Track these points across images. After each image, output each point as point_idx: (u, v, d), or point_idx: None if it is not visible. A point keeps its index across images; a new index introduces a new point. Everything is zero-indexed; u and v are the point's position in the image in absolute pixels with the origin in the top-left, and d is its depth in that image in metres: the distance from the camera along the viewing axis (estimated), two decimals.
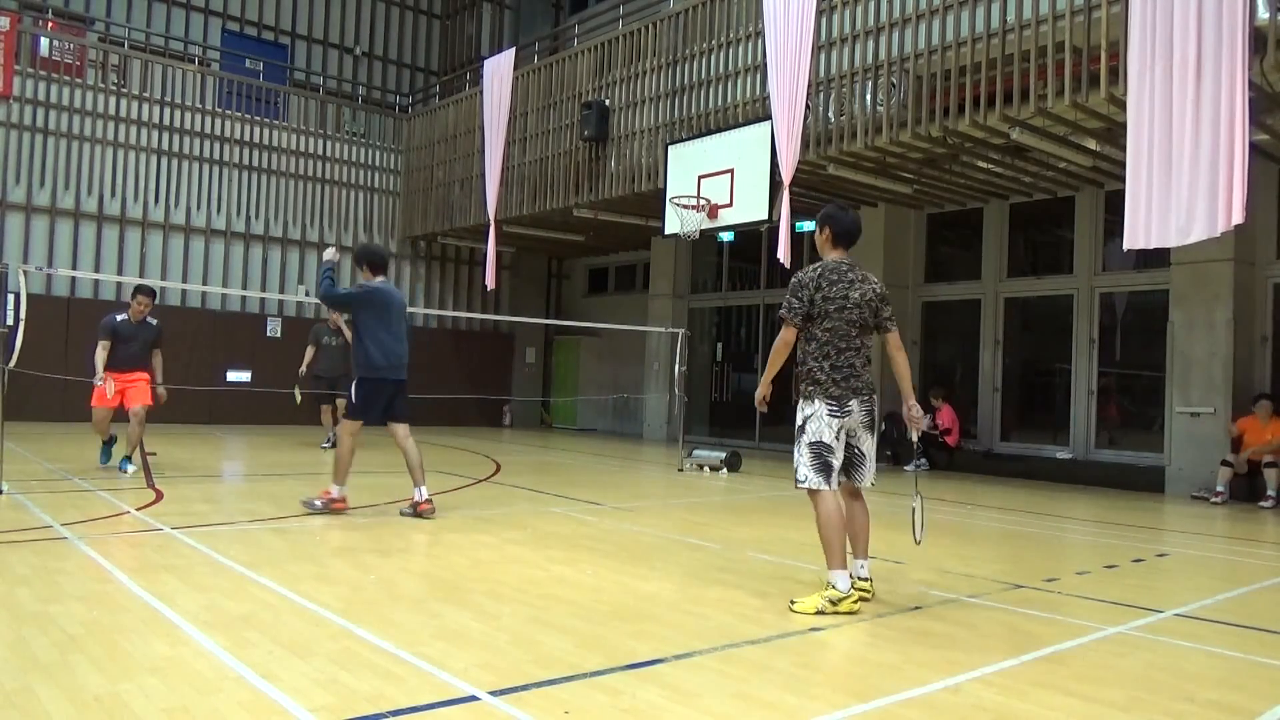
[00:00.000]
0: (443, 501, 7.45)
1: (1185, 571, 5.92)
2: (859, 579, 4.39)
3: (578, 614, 3.94)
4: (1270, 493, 9.36)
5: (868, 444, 4.45)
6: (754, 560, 5.43)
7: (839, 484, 4.35)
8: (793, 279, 4.45)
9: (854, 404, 4.34)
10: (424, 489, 6.45)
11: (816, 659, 3.44)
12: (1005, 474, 11.95)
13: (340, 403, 10.28)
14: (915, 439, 4.80)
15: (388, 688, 2.88)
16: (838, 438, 4.31)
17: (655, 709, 2.81)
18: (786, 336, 4.43)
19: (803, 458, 4.32)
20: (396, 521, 6.26)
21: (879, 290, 4.49)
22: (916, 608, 4.33)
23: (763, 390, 4.65)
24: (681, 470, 10.96)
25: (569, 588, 4.45)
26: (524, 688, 2.95)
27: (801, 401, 4.42)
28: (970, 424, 13.12)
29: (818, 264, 4.49)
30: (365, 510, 6.69)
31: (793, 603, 4.23)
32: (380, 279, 6.68)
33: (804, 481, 4.31)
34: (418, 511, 6.38)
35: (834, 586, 4.16)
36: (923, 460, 12.58)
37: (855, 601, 4.18)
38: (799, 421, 4.39)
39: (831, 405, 4.31)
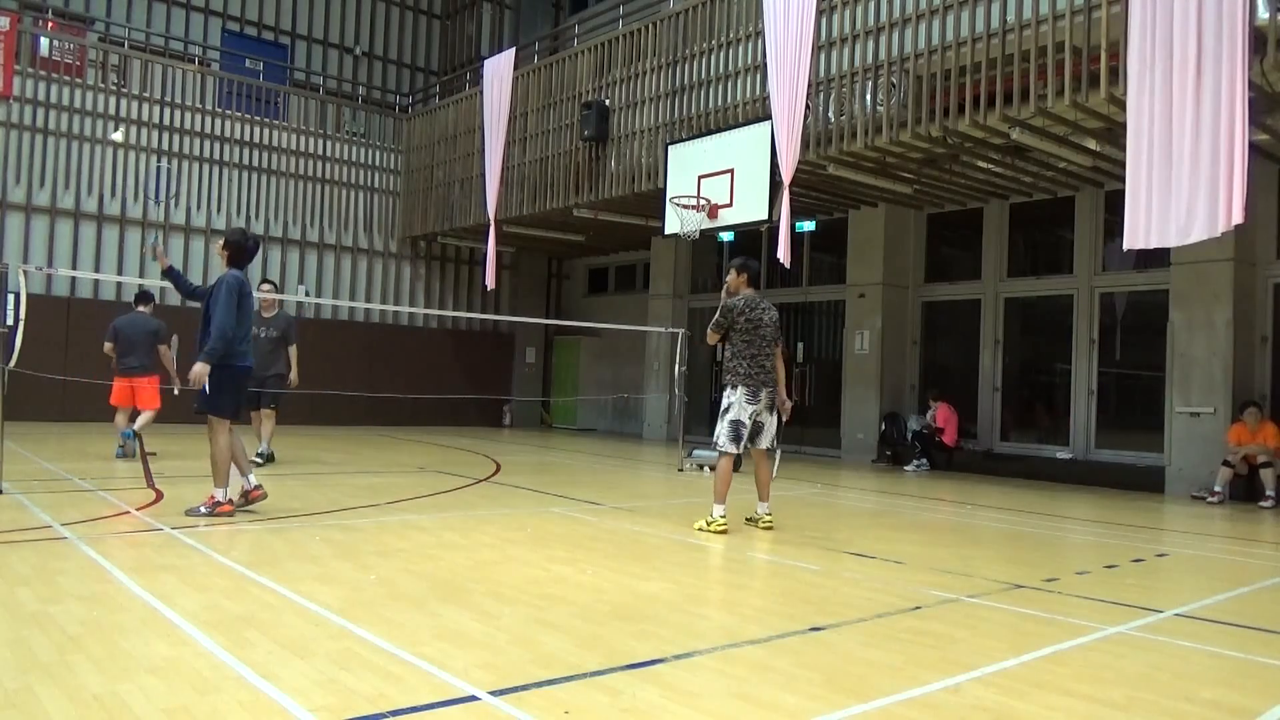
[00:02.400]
0: (443, 501, 7.45)
1: (1185, 571, 5.92)
2: (763, 514, 6.52)
3: (578, 614, 3.93)
4: (1269, 493, 9.37)
5: (769, 420, 6.46)
6: (754, 560, 5.43)
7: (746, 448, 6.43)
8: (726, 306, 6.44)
9: (763, 393, 6.37)
10: (252, 477, 6.30)
11: (816, 659, 3.44)
12: (1005, 474, 11.95)
13: (269, 410, 9.50)
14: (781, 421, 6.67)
15: (388, 688, 2.88)
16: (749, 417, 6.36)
17: (655, 709, 2.81)
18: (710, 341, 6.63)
19: (723, 429, 6.37)
20: (397, 521, 6.26)
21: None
22: (916, 608, 4.33)
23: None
24: (681, 470, 10.96)
25: (569, 588, 4.45)
26: (524, 688, 2.95)
27: (726, 390, 6.43)
28: (970, 424, 13.13)
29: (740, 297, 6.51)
30: (366, 510, 6.69)
31: (697, 526, 6.35)
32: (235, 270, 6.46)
33: (721, 446, 6.35)
34: (252, 498, 6.25)
35: (713, 515, 6.30)
36: (923, 460, 12.60)
37: (723, 528, 6.24)
38: (724, 404, 6.42)
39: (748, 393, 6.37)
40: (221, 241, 6.52)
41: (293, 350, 9.62)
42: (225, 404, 6.11)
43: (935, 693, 3.07)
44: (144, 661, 3.04)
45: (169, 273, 6.76)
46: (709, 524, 6.34)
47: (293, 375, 9.73)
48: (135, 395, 9.79)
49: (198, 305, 6.48)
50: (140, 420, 9.69)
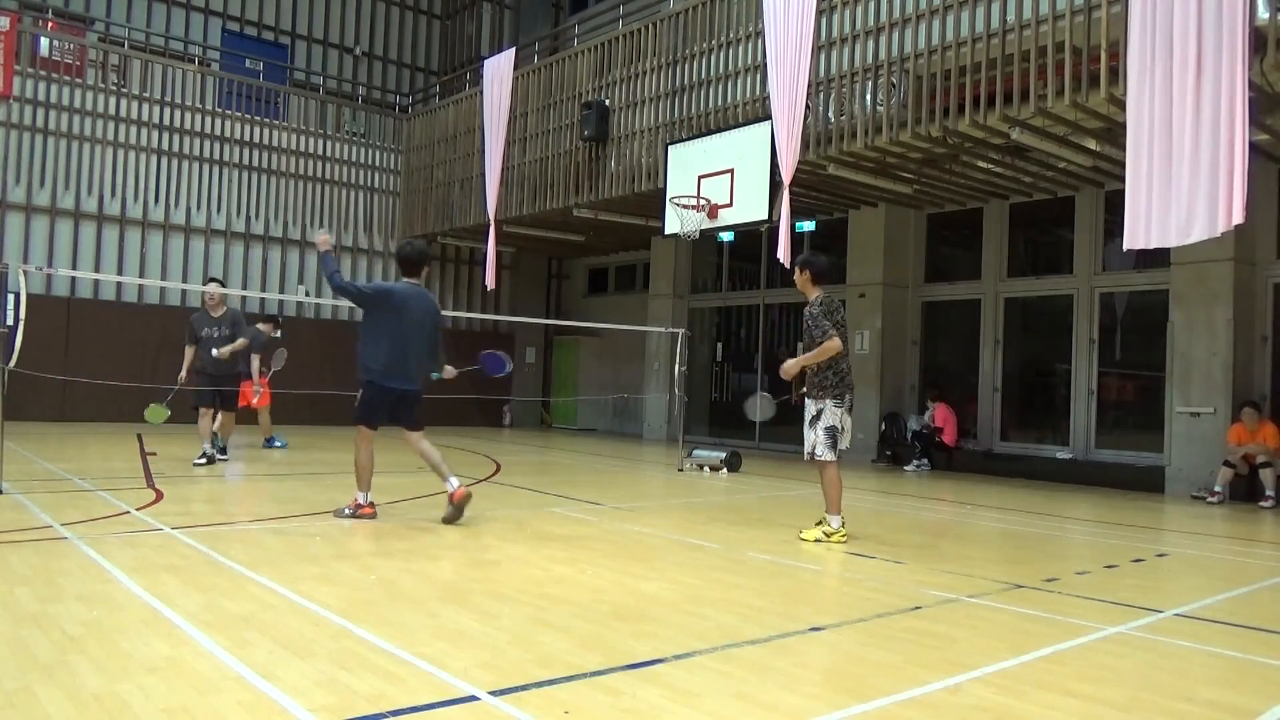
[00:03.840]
0: (443, 501, 7.44)
1: (1185, 571, 5.92)
2: (836, 529, 6.08)
3: (578, 614, 3.93)
4: (1269, 493, 9.37)
5: (849, 424, 6.18)
6: (754, 560, 5.43)
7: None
8: (825, 305, 6.06)
9: (847, 396, 6.11)
10: (453, 479, 6.18)
11: (817, 659, 3.44)
12: (1005, 474, 11.95)
13: (225, 413, 9.66)
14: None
15: (388, 688, 2.88)
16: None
17: (655, 709, 2.81)
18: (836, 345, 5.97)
19: (820, 437, 6.03)
20: (397, 521, 6.26)
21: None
22: (916, 608, 4.33)
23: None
24: (681, 470, 10.96)
25: (569, 588, 4.45)
26: (524, 688, 2.95)
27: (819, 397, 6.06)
28: (970, 424, 13.12)
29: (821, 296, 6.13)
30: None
31: (800, 532, 6.14)
32: (408, 280, 6.31)
33: (820, 455, 6.02)
34: (454, 501, 6.13)
35: (832, 525, 6.04)
36: (923, 460, 12.61)
37: (844, 538, 5.99)
38: (813, 411, 6.09)
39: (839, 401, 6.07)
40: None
41: (239, 344, 9.44)
42: (364, 415, 6.30)
43: (935, 693, 3.07)
44: (144, 661, 3.04)
45: (324, 257, 6.31)
46: (829, 535, 6.02)
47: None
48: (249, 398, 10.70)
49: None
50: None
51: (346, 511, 6.27)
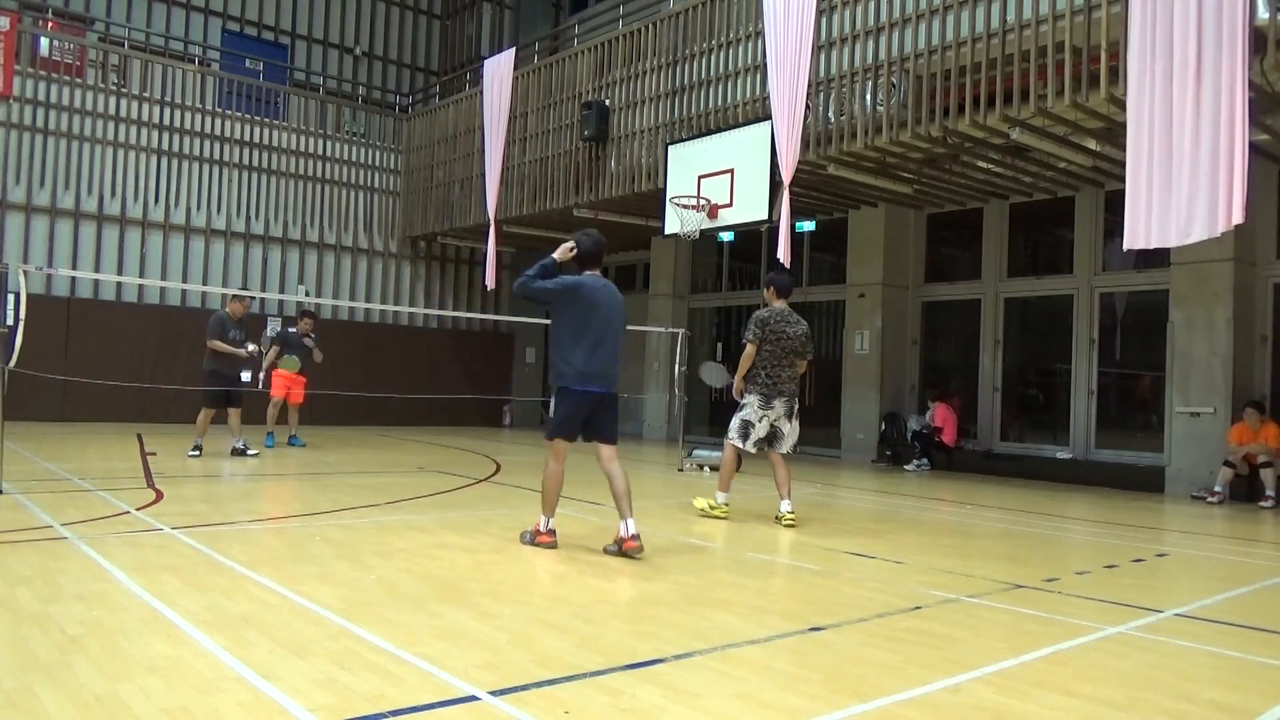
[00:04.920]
0: (443, 501, 7.45)
1: (1185, 571, 5.92)
2: (785, 512, 6.75)
3: (578, 614, 3.93)
4: (1269, 493, 9.37)
5: (788, 427, 6.93)
6: (754, 560, 5.43)
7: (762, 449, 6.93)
8: (756, 317, 6.98)
9: (777, 401, 6.89)
10: (631, 522, 5.31)
11: (816, 659, 3.44)
12: (1005, 474, 11.95)
13: (234, 410, 10.04)
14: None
15: (388, 688, 2.88)
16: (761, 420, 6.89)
17: (655, 709, 2.81)
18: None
19: (735, 423, 6.97)
20: (397, 521, 6.26)
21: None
22: (916, 608, 4.33)
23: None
24: (681, 470, 10.95)
25: (569, 588, 4.45)
26: (524, 688, 2.95)
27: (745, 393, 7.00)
28: (970, 424, 13.13)
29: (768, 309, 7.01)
30: (365, 510, 6.68)
31: (699, 506, 7.04)
32: (591, 273, 5.62)
33: (730, 437, 6.95)
34: (622, 549, 5.26)
35: (717, 500, 7.01)
36: (923, 460, 12.61)
37: (725, 514, 6.96)
38: (741, 401, 7.01)
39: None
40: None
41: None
42: (561, 428, 5.55)
43: (935, 693, 3.07)
44: (144, 661, 3.04)
45: (543, 264, 5.55)
46: (712, 507, 7.00)
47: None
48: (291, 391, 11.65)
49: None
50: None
51: (527, 537, 5.55)
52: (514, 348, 19.58)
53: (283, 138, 16.97)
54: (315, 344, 11.72)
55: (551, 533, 5.51)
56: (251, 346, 9.99)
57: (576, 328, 5.41)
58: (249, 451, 10.02)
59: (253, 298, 11.21)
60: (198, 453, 9.80)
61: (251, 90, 16.92)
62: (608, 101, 13.28)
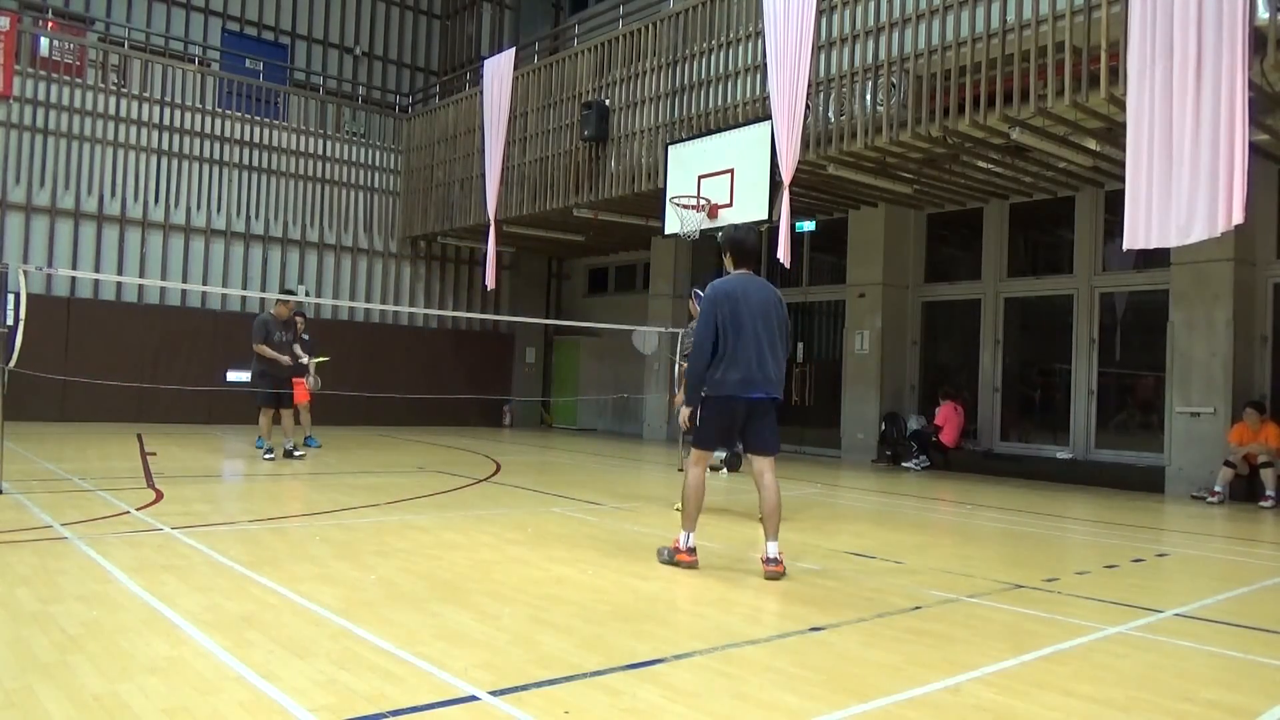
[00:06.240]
0: (443, 501, 7.45)
1: (1185, 571, 5.92)
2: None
3: (578, 614, 3.93)
4: (1269, 493, 9.37)
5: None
6: (754, 560, 5.43)
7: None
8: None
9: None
10: (774, 545, 4.88)
11: (816, 659, 3.44)
12: (1005, 474, 11.95)
13: (285, 411, 10.01)
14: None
15: (388, 688, 2.88)
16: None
17: (655, 709, 2.81)
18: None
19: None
20: (397, 521, 6.26)
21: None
22: (916, 608, 4.33)
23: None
24: (681, 470, 10.94)
25: (569, 588, 4.45)
26: (524, 688, 2.95)
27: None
28: (970, 424, 13.12)
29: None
30: (365, 510, 6.68)
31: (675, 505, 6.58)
32: (742, 271, 5.18)
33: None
34: (766, 574, 4.86)
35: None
36: (921, 457, 12.61)
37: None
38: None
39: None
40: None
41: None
42: (706, 437, 5.16)
43: (935, 693, 3.07)
44: (144, 661, 3.04)
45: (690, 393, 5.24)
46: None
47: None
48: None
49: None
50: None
51: (665, 554, 5.18)
52: (514, 348, 19.57)
53: (283, 138, 16.97)
54: (308, 347, 11.32)
55: (692, 551, 5.07)
56: (299, 352, 10.14)
57: (715, 332, 4.98)
58: (296, 453, 10.09)
59: (300, 301, 11.08)
60: (272, 455, 9.89)
61: (251, 90, 16.93)
62: (608, 101, 13.28)
